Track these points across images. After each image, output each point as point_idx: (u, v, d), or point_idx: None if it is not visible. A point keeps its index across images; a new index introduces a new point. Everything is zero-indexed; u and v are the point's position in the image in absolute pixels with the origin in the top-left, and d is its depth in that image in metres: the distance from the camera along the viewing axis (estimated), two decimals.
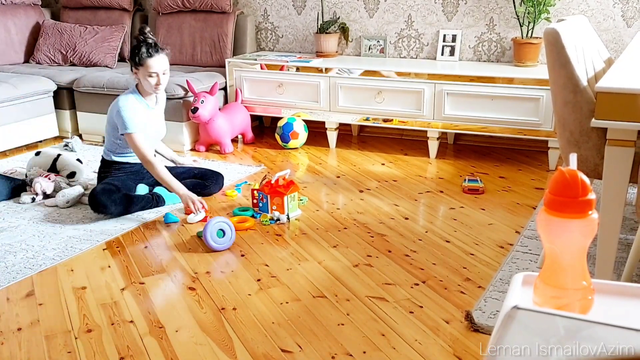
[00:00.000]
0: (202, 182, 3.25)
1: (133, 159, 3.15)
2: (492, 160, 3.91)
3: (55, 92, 4.36)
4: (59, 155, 3.50)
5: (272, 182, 2.98)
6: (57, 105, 4.41)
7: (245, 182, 3.51)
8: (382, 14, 4.32)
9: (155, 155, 3.12)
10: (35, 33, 4.99)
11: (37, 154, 3.53)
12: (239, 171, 3.72)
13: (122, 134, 3.03)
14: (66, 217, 3.03)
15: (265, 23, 4.72)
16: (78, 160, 3.59)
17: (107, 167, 3.18)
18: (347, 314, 2.14)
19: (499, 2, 4.01)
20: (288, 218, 2.96)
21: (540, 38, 3.81)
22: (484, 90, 3.66)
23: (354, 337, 2.00)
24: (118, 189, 3.01)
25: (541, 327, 0.77)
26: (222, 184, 3.34)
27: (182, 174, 3.27)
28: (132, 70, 3.05)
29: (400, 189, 3.39)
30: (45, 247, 2.71)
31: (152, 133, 3.16)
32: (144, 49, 2.98)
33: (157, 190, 3.17)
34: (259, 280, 2.40)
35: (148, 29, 3.07)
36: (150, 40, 3.01)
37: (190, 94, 4.03)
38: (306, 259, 2.57)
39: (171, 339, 2.01)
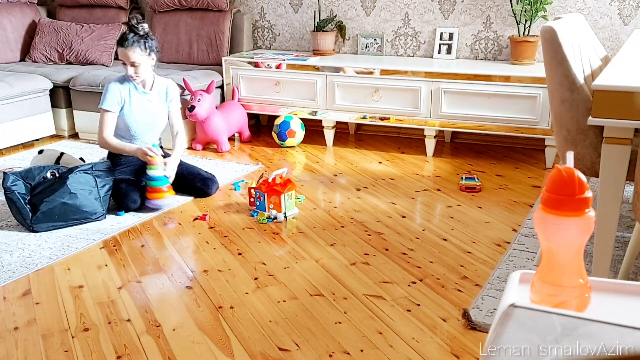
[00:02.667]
0: (193, 184, 3.26)
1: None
2: (489, 158, 3.91)
3: (51, 91, 4.35)
4: (62, 153, 3.49)
5: (269, 180, 2.98)
6: (54, 104, 4.40)
7: (243, 180, 3.51)
8: (379, 12, 4.32)
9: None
10: (31, 31, 4.98)
11: (40, 152, 3.51)
12: (236, 170, 3.72)
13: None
14: None
15: (262, 21, 4.71)
16: (81, 159, 3.59)
17: (112, 160, 3.26)
18: (344, 312, 2.14)
19: (496, 0, 4.01)
20: (285, 216, 2.96)
21: (537, 36, 3.81)
22: (480, 89, 3.66)
23: (351, 335, 2.00)
24: (135, 183, 3.12)
25: (538, 325, 0.77)
26: (212, 188, 3.30)
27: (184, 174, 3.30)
28: None
29: (398, 187, 3.39)
30: (41, 246, 2.71)
31: (141, 117, 3.22)
32: (122, 37, 3.11)
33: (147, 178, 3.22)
34: (256, 278, 2.40)
35: (142, 22, 3.14)
36: (138, 32, 3.10)
37: (187, 92, 4.03)
38: (303, 257, 2.57)
39: (168, 338, 2.01)
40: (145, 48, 3.09)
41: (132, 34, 3.09)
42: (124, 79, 3.21)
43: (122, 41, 3.09)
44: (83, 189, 2.89)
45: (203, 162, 3.80)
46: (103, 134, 3.17)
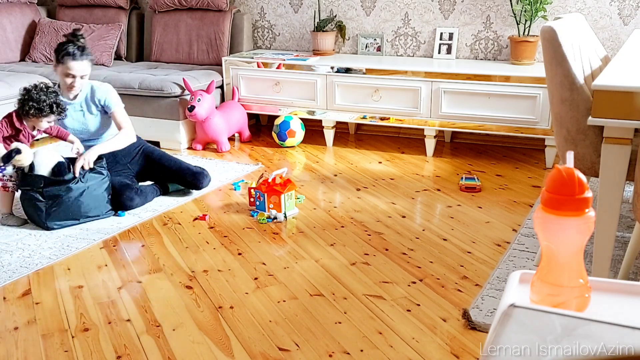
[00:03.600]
0: (185, 179, 3.28)
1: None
2: (488, 158, 3.91)
3: None
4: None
5: (269, 180, 2.98)
6: None
7: (243, 180, 3.51)
8: (379, 12, 4.32)
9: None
10: (31, 31, 4.98)
11: None
12: (236, 170, 3.71)
13: None
14: None
15: (262, 21, 4.71)
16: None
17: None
18: (344, 312, 2.14)
19: (496, 0, 4.01)
20: (285, 216, 2.96)
21: (537, 36, 3.81)
22: (480, 89, 3.66)
23: (351, 335, 2.00)
24: (128, 183, 3.12)
25: (538, 325, 0.77)
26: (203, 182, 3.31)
27: (168, 167, 3.29)
28: (55, 63, 3.07)
29: (398, 187, 3.39)
30: (41, 246, 2.71)
31: (75, 126, 3.13)
32: (70, 49, 2.98)
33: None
34: (256, 278, 2.40)
35: (82, 32, 3.10)
36: (79, 43, 3.02)
37: (187, 92, 4.03)
38: (303, 257, 2.57)
39: (168, 338, 2.01)
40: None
41: (79, 44, 3.03)
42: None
43: (74, 52, 3.01)
44: (98, 186, 2.93)
45: (203, 162, 3.80)
46: None
